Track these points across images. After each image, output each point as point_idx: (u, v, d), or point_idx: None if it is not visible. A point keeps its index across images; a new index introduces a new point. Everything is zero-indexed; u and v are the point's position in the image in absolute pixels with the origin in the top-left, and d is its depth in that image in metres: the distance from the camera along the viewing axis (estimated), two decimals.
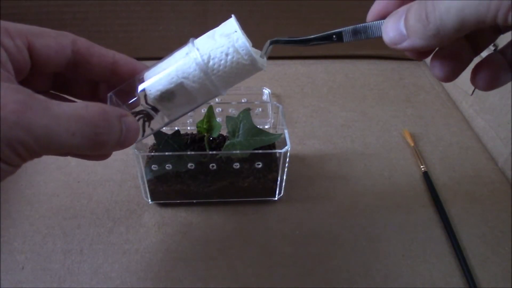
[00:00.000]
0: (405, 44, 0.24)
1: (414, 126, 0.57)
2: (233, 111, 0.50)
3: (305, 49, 0.70)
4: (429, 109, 0.60)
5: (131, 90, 0.28)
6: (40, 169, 0.48)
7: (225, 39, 0.26)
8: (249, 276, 0.38)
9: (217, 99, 0.56)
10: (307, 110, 0.59)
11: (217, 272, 0.38)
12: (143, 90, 0.27)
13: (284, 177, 0.43)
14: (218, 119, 0.43)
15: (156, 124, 0.29)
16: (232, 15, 0.27)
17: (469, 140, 0.55)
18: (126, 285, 0.37)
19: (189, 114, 0.53)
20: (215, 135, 0.42)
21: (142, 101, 0.28)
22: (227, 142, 0.42)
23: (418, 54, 0.27)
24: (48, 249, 0.40)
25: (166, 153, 0.40)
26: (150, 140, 0.46)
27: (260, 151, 0.41)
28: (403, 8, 0.24)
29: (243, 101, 0.56)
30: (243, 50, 0.26)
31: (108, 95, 0.28)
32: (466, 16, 0.20)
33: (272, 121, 0.50)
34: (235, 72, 0.26)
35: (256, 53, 0.27)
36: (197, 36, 0.28)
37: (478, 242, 0.41)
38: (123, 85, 0.28)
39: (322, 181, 0.48)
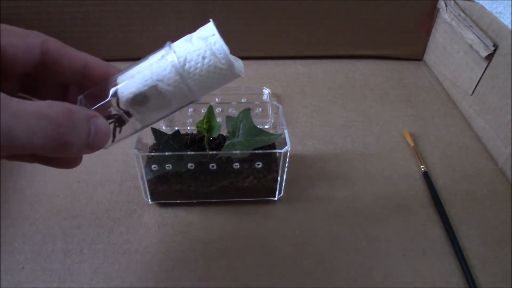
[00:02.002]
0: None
1: (414, 126, 0.57)
2: (233, 111, 0.50)
3: (305, 48, 0.71)
4: (429, 109, 0.60)
5: (103, 94, 0.27)
6: (40, 169, 0.48)
7: (202, 42, 0.25)
8: (249, 276, 0.38)
9: (216, 99, 0.57)
10: (307, 110, 0.59)
11: (217, 272, 0.38)
12: (115, 93, 0.26)
13: (284, 177, 0.43)
14: (218, 119, 0.43)
15: (128, 129, 0.28)
16: (211, 20, 0.26)
17: (469, 140, 0.55)
18: (126, 285, 0.37)
19: (188, 114, 0.54)
20: (215, 135, 0.41)
21: (114, 105, 0.27)
22: (227, 142, 0.42)
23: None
24: (48, 249, 0.40)
25: (166, 153, 0.40)
26: (150, 140, 0.46)
27: (260, 151, 0.41)
28: None
29: (243, 101, 0.56)
30: (220, 53, 0.25)
31: (78, 98, 0.27)
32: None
33: (272, 121, 0.50)
34: (212, 76, 0.26)
35: (234, 59, 0.26)
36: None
37: (478, 242, 0.41)
38: (94, 88, 0.28)
39: (322, 181, 0.48)
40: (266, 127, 0.51)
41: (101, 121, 0.24)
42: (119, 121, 0.28)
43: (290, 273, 0.39)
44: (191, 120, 0.52)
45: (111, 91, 0.26)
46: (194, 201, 0.44)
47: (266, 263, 0.39)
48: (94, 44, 0.65)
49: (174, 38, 0.28)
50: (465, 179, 0.49)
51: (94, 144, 0.24)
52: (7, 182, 0.46)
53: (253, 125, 0.42)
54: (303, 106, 0.60)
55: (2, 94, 0.20)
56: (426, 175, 0.48)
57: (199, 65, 0.25)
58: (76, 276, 0.38)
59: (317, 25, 0.67)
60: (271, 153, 0.43)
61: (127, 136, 0.29)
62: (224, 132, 0.44)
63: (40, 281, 0.37)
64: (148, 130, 0.44)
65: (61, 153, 0.22)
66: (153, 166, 0.40)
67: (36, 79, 0.28)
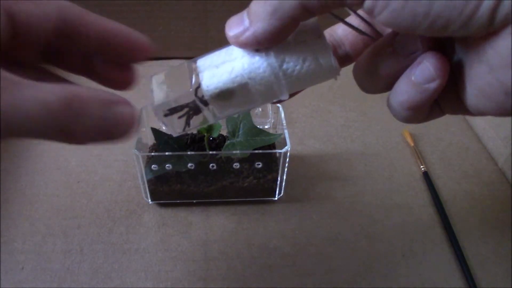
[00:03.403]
0: (247, 34, 0.22)
1: (414, 126, 0.57)
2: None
3: None
4: None
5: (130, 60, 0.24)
6: (40, 169, 0.48)
7: (304, 45, 0.23)
8: (249, 276, 0.38)
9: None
10: (307, 110, 0.59)
11: (217, 272, 0.38)
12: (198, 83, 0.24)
13: (284, 177, 0.43)
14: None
15: (197, 119, 0.26)
16: (315, 18, 0.23)
17: (469, 140, 0.55)
18: (126, 285, 0.37)
19: None
20: (215, 135, 0.42)
21: (192, 92, 0.24)
22: (227, 142, 0.42)
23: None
24: (48, 249, 0.40)
25: (166, 153, 0.40)
26: (150, 140, 0.46)
27: (260, 151, 0.41)
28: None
29: None
30: (324, 58, 0.23)
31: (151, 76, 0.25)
32: None
33: (272, 121, 0.50)
34: (309, 79, 0.24)
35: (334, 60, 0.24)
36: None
37: (478, 242, 0.41)
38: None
39: (322, 181, 0.48)
40: (266, 127, 0.51)
41: (123, 109, 0.21)
42: (195, 110, 0.25)
43: (290, 273, 0.39)
44: None
45: (193, 80, 0.24)
46: (194, 201, 0.44)
47: (266, 263, 0.39)
48: None
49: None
50: (465, 179, 0.49)
51: (112, 133, 0.21)
52: (7, 182, 0.46)
53: (253, 125, 0.42)
54: (303, 106, 0.60)
55: (2, 75, 0.18)
56: (426, 175, 0.48)
57: (297, 67, 0.23)
58: (76, 276, 0.38)
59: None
60: (271, 153, 0.43)
61: (195, 128, 0.26)
62: (224, 132, 0.44)
63: (40, 281, 0.37)
64: (148, 130, 0.44)
65: (66, 140, 0.20)
66: (153, 166, 0.40)
67: (58, 49, 0.26)
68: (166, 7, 0.63)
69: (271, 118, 0.50)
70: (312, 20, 0.23)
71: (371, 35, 0.25)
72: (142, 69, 0.28)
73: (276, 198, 0.45)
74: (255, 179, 0.43)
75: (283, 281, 0.38)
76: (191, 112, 0.25)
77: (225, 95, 0.24)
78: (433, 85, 0.21)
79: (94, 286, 0.37)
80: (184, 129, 0.26)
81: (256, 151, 0.41)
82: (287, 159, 0.41)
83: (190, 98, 0.24)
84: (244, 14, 0.22)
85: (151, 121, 0.45)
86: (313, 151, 0.52)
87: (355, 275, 0.38)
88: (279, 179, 0.43)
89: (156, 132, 0.42)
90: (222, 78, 0.23)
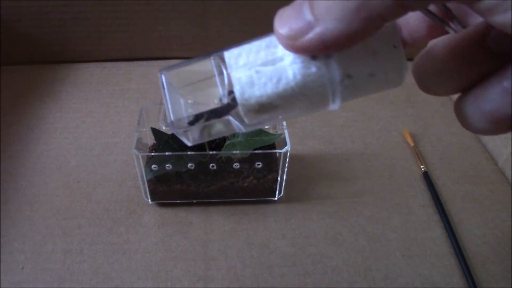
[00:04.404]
0: (311, 35, 0.16)
1: (414, 126, 0.57)
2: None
3: None
4: (429, 109, 0.60)
5: None
6: (40, 169, 0.48)
7: (374, 57, 0.18)
8: (249, 276, 0.38)
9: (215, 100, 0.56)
10: None
11: (217, 272, 0.38)
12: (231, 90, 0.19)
13: (284, 177, 0.43)
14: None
15: (218, 126, 0.21)
16: (394, 22, 0.18)
17: (469, 140, 0.55)
18: (126, 285, 0.37)
19: None
20: None
21: (224, 101, 0.19)
22: (227, 142, 0.42)
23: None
24: (48, 249, 0.40)
25: (166, 153, 0.40)
26: (150, 140, 0.46)
27: (260, 151, 0.41)
28: None
29: None
30: (395, 75, 0.19)
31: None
32: None
33: None
34: (368, 92, 0.20)
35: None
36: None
37: (478, 242, 0.41)
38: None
39: (322, 181, 0.48)
40: (266, 127, 0.51)
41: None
42: (218, 116, 0.20)
43: (290, 273, 0.39)
44: None
45: (223, 82, 0.19)
46: (194, 201, 0.44)
47: (266, 263, 0.39)
48: (94, 44, 0.65)
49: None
50: (465, 179, 0.49)
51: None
52: (7, 182, 0.46)
53: None
54: None
55: None
56: (426, 175, 0.48)
57: (362, 82, 0.19)
58: (76, 276, 0.38)
59: None
60: (271, 153, 0.43)
61: (215, 136, 0.21)
62: None
63: (40, 281, 0.37)
64: (148, 130, 0.44)
65: None
66: (153, 166, 0.40)
67: None
68: (166, 7, 0.63)
69: None
70: (389, 25, 0.18)
71: (455, 29, 0.20)
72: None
73: (276, 198, 0.45)
74: (255, 179, 0.43)
75: (283, 281, 0.38)
76: (212, 120, 0.20)
77: (266, 108, 0.19)
78: None
79: (94, 286, 0.37)
80: (202, 139, 0.21)
81: (256, 151, 0.41)
82: (287, 159, 0.41)
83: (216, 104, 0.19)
84: (304, 6, 0.16)
85: (151, 121, 0.45)
86: (313, 151, 0.52)
87: (355, 275, 0.38)
88: (279, 179, 0.43)
89: (156, 132, 0.42)
90: (265, 90, 0.18)
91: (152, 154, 0.42)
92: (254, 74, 0.18)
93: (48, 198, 0.45)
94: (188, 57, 0.21)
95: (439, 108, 0.61)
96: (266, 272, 0.38)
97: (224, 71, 0.19)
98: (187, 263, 0.39)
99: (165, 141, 0.42)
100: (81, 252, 0.40)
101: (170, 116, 0.20)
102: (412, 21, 0.22)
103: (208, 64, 0.20)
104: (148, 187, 0.42)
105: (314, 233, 0.42)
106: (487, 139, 0.54)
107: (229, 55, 0.19)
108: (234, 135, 0.42)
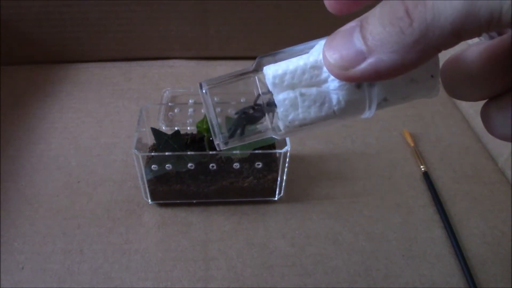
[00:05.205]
0: (365, 66, 0.16)
1: (414, 126, 0.57)
2: (233, 111, 0.50)
3: None
4: (429, 109, 0.60)
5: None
6: (40, 169, 0.48)
7: (412, 84, 0.19)
8: (249, 276, 0.38)
9: (216, 98, 0.56)
10: None
11: (217, 272, 0.38)
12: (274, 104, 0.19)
13: (284, 177, 0.43)
14: (218, 119, 0.43)
15: (252, 131, 0.21)
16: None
17: (469, 140, 0.55)
18: (126, 285, 0.37)
19: (188, 114, 0.54)
20: None
21: (269, 124, 0.20)
22: None
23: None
24: (48, 249, 0.40)
25: (166, 153, 0.40)
26: (150, 140, 0.46)
27: (260, 151, 0.41)
28: (355, 21, 0.17)
29: (242, 101, 0.56)
30: (427, 96, 0.20)
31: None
32: (475, 7, 0.13)
33: None
34: (403, 103, 0.21)
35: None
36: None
37: (478, 242, 0.41)
38: None
39: (322, 181, 0.48)
40: None
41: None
42: (251, 119, 0.21)
43: (290, 273, 0.39)
44: (191, 120, 0.52)
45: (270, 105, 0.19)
46: (194, 201, 0.44)
47: (266, 263, 0.39)
48: (94, 44, 0.65)
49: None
50: (465, 179, 0.49)
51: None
52: (7, 182, 0.46)
53: None
54: None
55: None
56: (426, 175, 0.48)
57: (395, 102, 0.20)
58: (76, 276, 0.38)
59: (317, 25, 0.67)
60: (271, 153, 0.43)
61: (249, 141, 0.22)
62: None
63: (40, 281, 0.37)
64: (148, 130, 0.44)
65: None
66: (153, 166, 0.40)
67: None
68: (166, 7, 0.63)
69: None
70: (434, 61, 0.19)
71: (491, 35, 0.20)
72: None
73: (276, 198, 0.45)
74: (255, 179, 0.43)
75: (283, 281, 0.38)
76: (246, 118, 0.21)
77: (305, 127, 0.20)
78: None
79: (94, 286, 0.37)
80: (235, 142, 0.22)
81: (256, 151, 0.41)
82: (287, 159, 0.41)
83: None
84: (355, 35, 0.16)
85: (151, 121, 0.45)
86: (313, 151, 0.52)
87: (355, 275, 0.38)
88: (279, 179, 0.43)
89: (156, 132, 0.42)
90: (309, 113, 0.19)
91: (152, 154, 0.42)
92: (298, 97, 0.19)
93: (48, 198, 0.45)
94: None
95: (439, 108, 0.61)
96: (266, 272, 0.38)
97: (268, 92, 0.19)
98: (187, 263, 0.39)
99: (165, 141, 0.42)
100: (81, 252, 0.40)
101: (218, 137, 0.22)
102: None
103: (248, 81, 0.20)
104: (148, 187, 0.42)
105: (314, 233, 0.42)
106: (487, 139, 0.54)
107: (273, 73, 0.19)
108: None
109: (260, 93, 0.20)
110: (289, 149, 0.40)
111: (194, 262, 0.39)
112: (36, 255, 0.39)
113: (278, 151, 0.41)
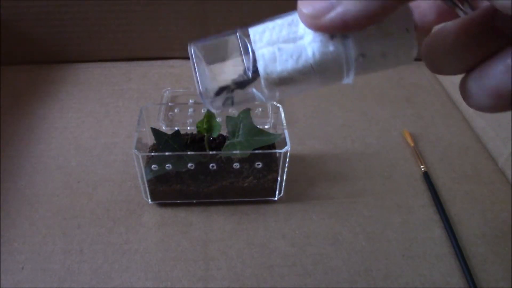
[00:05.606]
0: (333, 14, 0.17)
1: (414, 126, 0.57)
2: (233, 111, 0.50)
3: None
4: (429, 109, 0.60)
5: None
6: (40, 169, 0.48)
7: (388, 38, 0.20)
8: (249, 276, 0.38)
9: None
10: (307, 110, 0.59)
11: (217, 272, 0.38)
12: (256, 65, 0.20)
13: (284, 177, 0.43)
14: (218, 119, 0.43)
15: (241, 95, 0.22)
16: (408, 5, 0.20)
17: (469, 140, 0.55)
18: (126, 285, 0.37)
19: (188, 114, 0.54)
20: (215, 135, 0.42)
21: (248, 73, 0.21)
22: (227, 142, 0.42)
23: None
24: (48, 249, 0.40)
25: (166, 153, 0.40)
26: (150, 140, 0.46)
27: (260, 151, 0.41)
28: None
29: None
30: (406, 55, 0.21)
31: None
32: None
33: (272, 121, 0.50)
34: (379, 69, 0.21)
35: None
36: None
37: (478, 242, 0.41)
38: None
39: (322, 181, 0.48)
40: (266, 127, 0.51)
41: None
42: (240, 85, 0.22)
43: (290, 273, 0.39)
44: (191, 120, 0.52)
45: (248, 58, 0.21)
46: (194, 201, 0.44)
47: (266, 263, 0.39)
48: (94, 44, 0.65)
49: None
50: (465, 179, 0.49)
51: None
52: (7, 182, 0.46)
53: (253, 125, 0.42)
54: (303, 106, 0.60)
55: None
56: (426, 175, 0.48)
57: (375, 61, 0.20)
58: (76, 276, 0.38)
59: None
60: (271, 153, 0.43)
61: (238, 104, 0.23)
62: (224, 132, 0.44)
63: (40, 281, 0.37)
64: (148, 130, 0.44)
65: None
66: (153, 166, 0.40)
67: None
68: (166, 7, 0.63)
69: (271, 118, 0.51)
70: (403, 8, 0.20)
71: (465, 11, 0.21)
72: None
73: (276, 198, 0.45)
74: (255, 179, 0.43)
75: (283, 281, 0.38)
76: (235, 89, 0.22)
77: (285, 81, 0.21)
78: None
79: (94, 286, 0.37)
80: (226, 107, 0.23)
81: (256, 151, 0.41)
82: (287, 159, 0.41)
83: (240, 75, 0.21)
84: None
85: (151, 121, 0.45)
86: (313, 151, 0.52)
87: (355, 275, 0.38)
88: (279, 179, 0.43)
89: (156, 132, 0.42)
90: (286, 66, 0.20)
91: (152, 154, 0.42)
92: (276, 51, 0.20)
93: (48, 198, 0.45)
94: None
95: (439, 108, 0.61)
96: (266, 272, 0.38)
97: (249, 47, 0.21)
98: (187, 263, 0.39)
99: (165, 141, 0.42)
100: (81, 252, 0.40)
101: (199, 87, 0.22)
102: (423, 4, 0.23)
103: (233, 40, 0.21)
104: (148, 187, 0.42)
105: (314, 233, 0.42)
106: (487, 139, 0.54)
107: (254, 31, 0.21)
108: (234, 135, 0.42)
109: (242, 51, 0.21)
110: (289, 149, 0.40)
111: (194, 262, 0.39)
112: (36, 255, 0.39)
113: (278, 151, 0.41)
